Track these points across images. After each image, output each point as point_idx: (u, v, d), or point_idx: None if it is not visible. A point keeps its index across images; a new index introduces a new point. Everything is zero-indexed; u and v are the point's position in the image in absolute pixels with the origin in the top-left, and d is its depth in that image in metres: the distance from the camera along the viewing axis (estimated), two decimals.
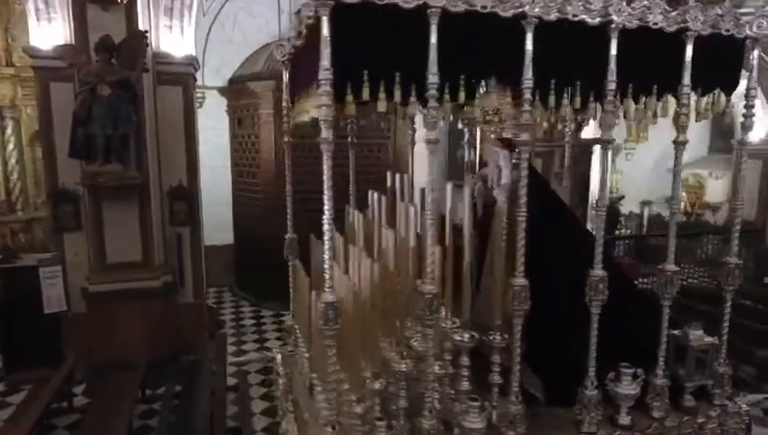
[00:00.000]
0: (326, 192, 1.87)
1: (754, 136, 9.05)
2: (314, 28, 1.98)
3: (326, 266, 1.85)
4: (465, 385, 2.22)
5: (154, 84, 5.07)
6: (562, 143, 6.69)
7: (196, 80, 5.69)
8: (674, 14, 2.13)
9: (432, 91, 1.85)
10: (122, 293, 5.04)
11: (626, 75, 2.11)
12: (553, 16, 1.96)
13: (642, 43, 2.09)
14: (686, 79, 2.20)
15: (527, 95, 2.00)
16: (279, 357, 3.13)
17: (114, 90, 4.53)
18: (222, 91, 7.92)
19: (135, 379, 4.43)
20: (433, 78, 1.84)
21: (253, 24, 8.16)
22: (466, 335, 2.21)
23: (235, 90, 7.58)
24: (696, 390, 2.52)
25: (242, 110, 7.57)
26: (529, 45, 1.96)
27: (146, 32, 4.62)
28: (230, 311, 7.47)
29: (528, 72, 1.97)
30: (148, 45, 4.61)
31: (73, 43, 4.73)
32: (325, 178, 1.83)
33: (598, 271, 2.21)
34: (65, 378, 4.37)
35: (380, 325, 2.25)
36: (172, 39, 5.16)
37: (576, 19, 2.00)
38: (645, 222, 11.45)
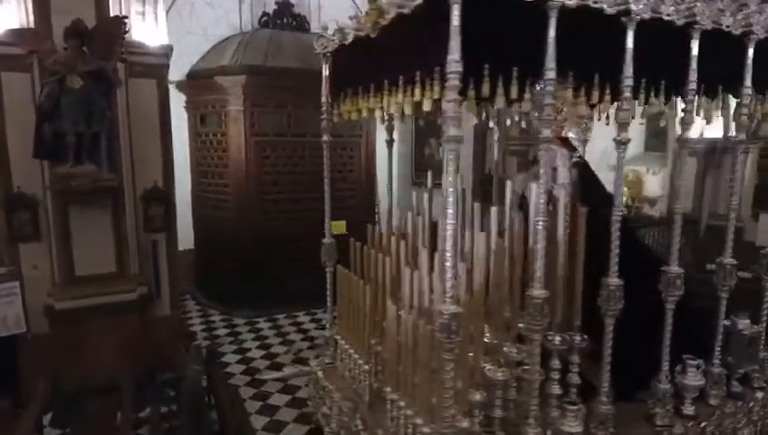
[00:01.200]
0: (448, 192, 1.72)
1: (695, 135, 9.86)
2: (401, 20, 1.85)
3: (448, 275, 1.72)
4: (557, 389, 2.18)
5: (126, 76, 4.58)
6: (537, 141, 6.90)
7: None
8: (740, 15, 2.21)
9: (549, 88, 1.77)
10: (94, 308, 4.51)
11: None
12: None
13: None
14: (748, 81, 2.29)
15: (627, 94, 1.97)
16: (320, 372, 2.92)
17: (86, 82, 4.03)
18: (180, 85, 7.34)
19: (123, 401, 3.98)
20: (550, 73, 1.77)
21: (211, 14, 7.65)
22: (558, 338, 2.17)
23: (198, 84, 7.07)
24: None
25: (205, 106, 7.08)
26: (629, 43, 1.94)
27: (125, 17, 4.15)
28: (199, 321, 6.96)
29: (629, 71, 1.95)
30: (127, 32, 4.13)
31: (33, 27, 4.15)
32: (450, 178, 1.68)
33: (674, 267, 2.25)
34: (39, 411, 3.83)
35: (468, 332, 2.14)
36: (145, 27, 4.69)
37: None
38: None
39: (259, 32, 7.36)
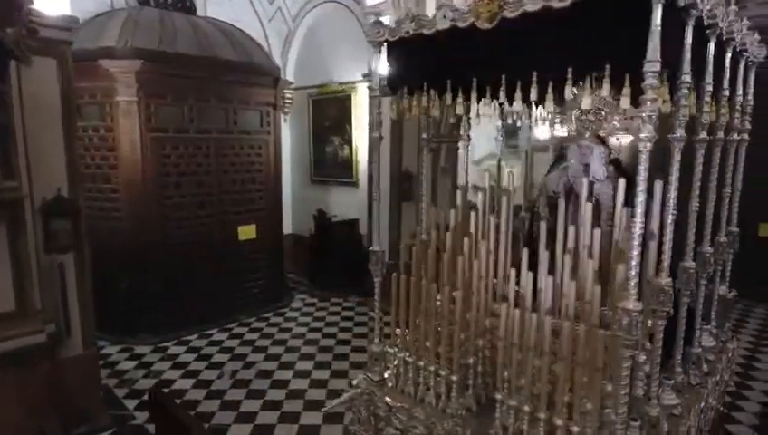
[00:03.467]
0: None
1: (541, 134, 11.40)
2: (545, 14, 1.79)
3: (632, 272, 1.72)
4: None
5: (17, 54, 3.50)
6: (452, 139, 7.25)
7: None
8: None
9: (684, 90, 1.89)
10: None
11: None
12: None
13: None
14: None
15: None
16: (379, 391, 2.66)
17: None
18: None
19: None
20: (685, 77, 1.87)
21: None
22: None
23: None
24: None
25: (83, 95, 5.78)
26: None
27: None
28: None
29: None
30: None
31: None
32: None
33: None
34: None
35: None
36: None
37: None
38: None
39: (145, 10, 6.29)
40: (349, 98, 8.00)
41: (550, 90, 1.94)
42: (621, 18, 1.71)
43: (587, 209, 2.27)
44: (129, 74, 5.61)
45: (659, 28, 1.59)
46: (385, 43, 2.57)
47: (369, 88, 7.22)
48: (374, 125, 2.66)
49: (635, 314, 1.73)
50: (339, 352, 5.94)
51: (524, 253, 2.26)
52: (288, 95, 8.17)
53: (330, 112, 8.41)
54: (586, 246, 2.27)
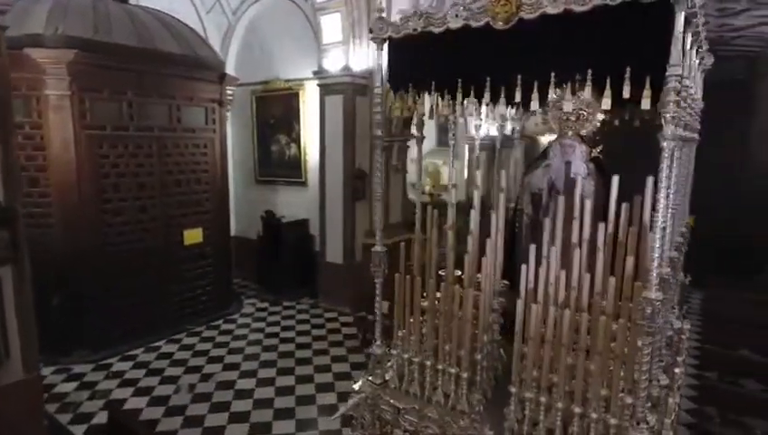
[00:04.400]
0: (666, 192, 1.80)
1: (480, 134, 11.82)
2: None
3: (655, 263, 1.82)
4: None
5: None
6: (403, 138, 7.35)
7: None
8: None
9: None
10: None
11: None
12: None
13: None
14: None
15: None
16: (385, 394, 2.61)
17: None
18: None
19: None
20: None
21: None
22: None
23: None
24: None
25: None
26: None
27: None
28: None
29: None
30: None
31: None
32: (666, 175, 1.76)
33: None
34: None
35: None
36: None
37: None
38: None
39: None
40: (296, 95, 7.80)
41: (568, 90, 2.00)
42: (637, 24, 1.81)
43: (586, 205, 2.37)
44: (60, 65, 5.08)
45: (681, 35, 1.70)
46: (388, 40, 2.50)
47: (321, 85, 7.10)
48: (376, 124, 2.59)
49: (657, 303, 1.83)
50: (301, 356, 5.78)
51: (532, 249, 2.32)
52: (229, 92, 7.81)
53: (275, 110, 8.15)
54: (585, 241, 2.38)
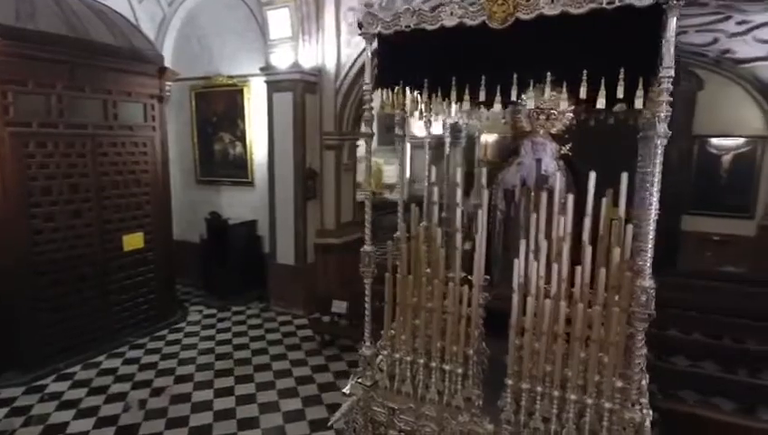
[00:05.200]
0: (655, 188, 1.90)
1: (419, 132, 12.01)
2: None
3: (648, 253, 1.94)
4: None
5: None
6: (353, 136, 7.32)
7: None
8: None
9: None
10: None
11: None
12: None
13: None
14: None
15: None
16: (379, 395, 2.56)
17: None
18: None
19: None
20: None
21: None
22: None
23: None
24: None
25: None
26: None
27: None
28: None
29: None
30: None
31: None
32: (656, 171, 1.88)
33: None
34: None
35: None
36: None
37: None
38: None
39: None
40: (240, 92, 7.48)
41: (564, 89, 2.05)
42: (631, 26, 1.90)
43: (569, 200, 2.47)
44: None
45: (674, 38, 1.81)
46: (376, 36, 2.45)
47: (269, 82, 6.85)
48: (366, 121, 2.52)
49: (651, 290, 1.95)
50: (258, 362, 5.57)
51: (522, 243, 2.38)
52: (166, 87, 7.35)
53: (217, 107, 7.78)
54: (569, 234, 2.48)
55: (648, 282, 1.97)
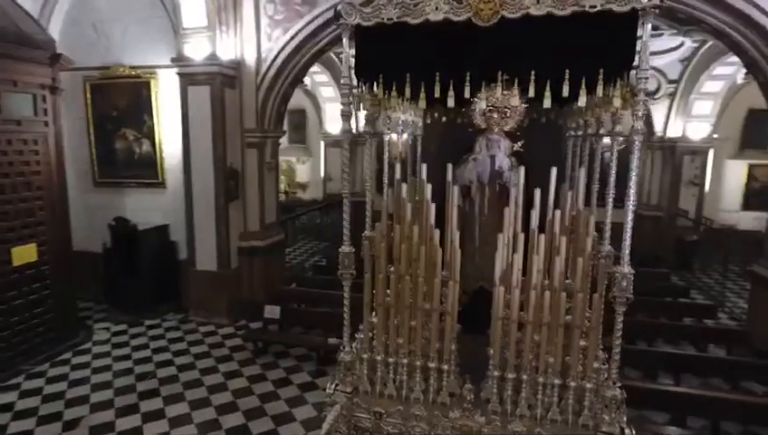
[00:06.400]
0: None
1: (335, 130, 11.92)
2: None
3: (627, 242, 2.08)
4: None
5: None
6: (276, 134, 7.09)
7: None
8: None
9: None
10: None
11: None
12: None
13: None
14: None
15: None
16: (363, 400, 2.46)
17: None
18: None
19: None
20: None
21: None
22: None
23: None
24: None
25: None
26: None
27: None
28: None
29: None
30: None
31: None
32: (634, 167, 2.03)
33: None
34: None
35: None
36: None
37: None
38: None
39: None
40: (147, 85, 6.80)
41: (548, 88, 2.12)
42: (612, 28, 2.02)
43: (536, 194, 2.57)
44: None
45: (648, 42, 1.97)
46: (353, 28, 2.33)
47: (182, 75, 6.28)
48: (346, 117, 2.39)
49: (630, 276, 2.10)
50: (187, 379, 5.12)
51: (500, 237, 2.44)
52: (60, 77, 6.46)
53: (118, 101, 7.00)
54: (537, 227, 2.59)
55: (626, 268, 2.12)
